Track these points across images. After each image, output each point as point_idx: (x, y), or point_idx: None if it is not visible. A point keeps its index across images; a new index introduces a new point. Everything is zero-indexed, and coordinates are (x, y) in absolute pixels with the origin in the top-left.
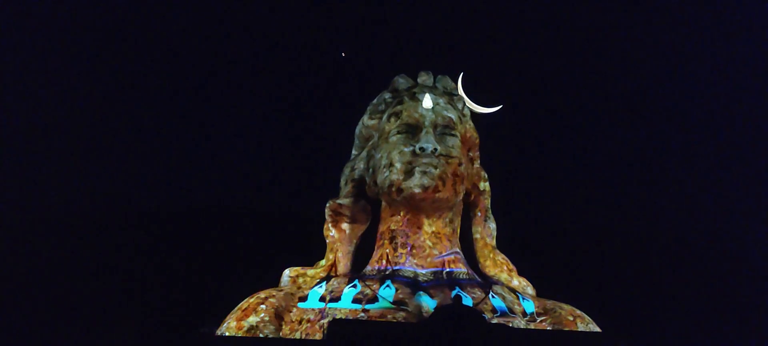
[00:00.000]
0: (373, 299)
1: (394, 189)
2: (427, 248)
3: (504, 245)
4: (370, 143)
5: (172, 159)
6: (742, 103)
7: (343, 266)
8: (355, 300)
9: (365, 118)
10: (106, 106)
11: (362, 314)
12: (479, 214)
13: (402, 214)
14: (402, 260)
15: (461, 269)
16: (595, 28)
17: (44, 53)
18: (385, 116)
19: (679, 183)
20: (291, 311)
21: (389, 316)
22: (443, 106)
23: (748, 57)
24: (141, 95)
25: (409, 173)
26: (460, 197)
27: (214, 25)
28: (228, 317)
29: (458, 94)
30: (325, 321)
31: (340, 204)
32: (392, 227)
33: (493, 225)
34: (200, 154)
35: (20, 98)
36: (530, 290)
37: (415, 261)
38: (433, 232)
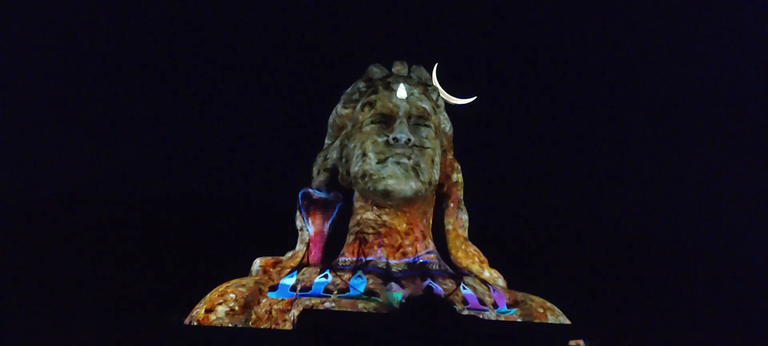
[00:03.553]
0: (345, 289)
1: (367, 179)
2: (399, 238)
3: (476, 236)
4: (344, 133)
5: (141, 147)
6: (721, 90)
7: (314, 256)
8: (326, 290)
9: (339, 107)
10: (78, 93)
11: (333, 304)
12: (452, 205)
13: (374, 204)
14: (374, 251)
15: (433, 260)
16: (572, 15)
17: (16, 40)
18: (358, 106)
19: (652, 174)
20: (261, 301)
21: (360, 306)
22: (417, 97)
23: (737, 46)
24: (112, 83)
25: (382, 163)
26: (433, 187)
27: (183, 12)
28: (196, 306)
29: (433, 85)
30: (295, 311)
31: (312, 193)
32: (365, 217)
33: (465, 216)
34: (169, 142)
35: None
36: (501, 281)
37: (387, 251)
38: (405, 222)
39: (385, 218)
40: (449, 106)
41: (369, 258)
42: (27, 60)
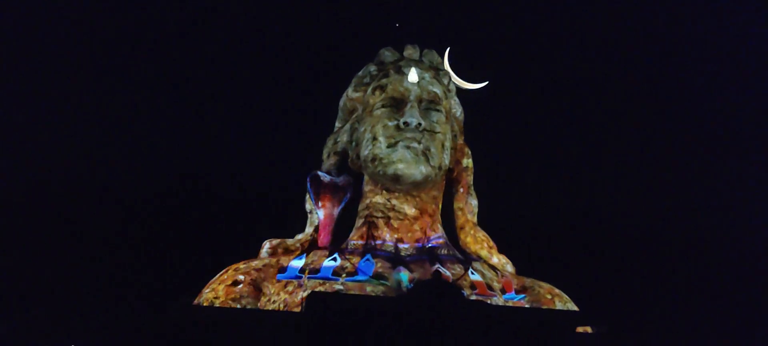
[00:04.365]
0: (353, 272)
1: (377, 163)
2: (408, 222)
3: (485, 222)
4: (354, 116)
5: (151, 132)
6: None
7: (323, 239)
8: (335, 273)
9: (350, 91)
10: (83, 82)
11: (341, 287)
12: (461, 190)
13: (384, 188)
14: (383, 234)
15: (442, 245)
16: (588, 6)
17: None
18: (370, 89)
19: (660, 164)
20: (270, 283)
21: (368, 289)
22: (429, 81)
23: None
24: (117, 70)
25: (392, 148)
26: (444, 172)
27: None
28: (207, 288)
29: (444, 70)
30: (303, 293)
31: (322, 176)
32: (374, 201)
33: (474, 202)
34: (180, 126)
35: None
36: (510, 267)
37: (396, 236)
38: (415, 207)
39: (394, 202)
40: (460, 91)
41: (378, 242)
42: (30, 57)
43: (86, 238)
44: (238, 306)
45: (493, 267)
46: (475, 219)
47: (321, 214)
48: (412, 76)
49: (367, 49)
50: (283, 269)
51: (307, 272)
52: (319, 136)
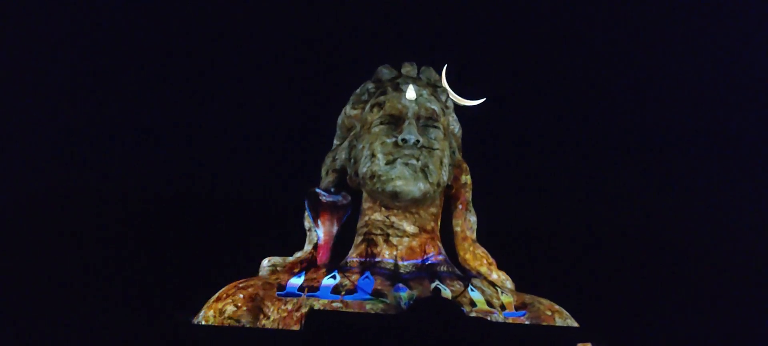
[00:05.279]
0: (352, 289)
1: (375, 180)
2: (408, 239)
3: (484, 238)
4: (352, 133)
5: (146, 143)
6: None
7: (322, 256)
8: (334, 290)
9: (348, 108)
10: (78, 86)
11: (340, 305)
12: (460, 206)
13: (383, 205)
14: (382, 252)
15: (441, 262)
16: (582, 17)
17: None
18: (367, 106)
19: (662, 178)
20: (269, 301)
21: (368, 307)
22: (426, 98)
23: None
24: (114, 77)
25: (390, 165)
26: (442, 189)
27: (195, 8)
28: (205, 306)
29: (442, 86)
30: (303, 311)
31: (320, 194)
32: (373, 218)
33: (473, 218)
34: (176, 139)
35: None
36: (509, 284)
37: (395, 253)
38: (414, 224)
39: (393, 219)
40: (458, 108)
41: (377, 259)
42: (31, 57)
43: (84, 248)
44: (237, 324)
45: (492, 284)
46: (474, 236)
47: (320, 232)
48: (410, 93)
49: (366, 66)
50: (282, 287)
51: (306, 289)
52: (318, 154)
